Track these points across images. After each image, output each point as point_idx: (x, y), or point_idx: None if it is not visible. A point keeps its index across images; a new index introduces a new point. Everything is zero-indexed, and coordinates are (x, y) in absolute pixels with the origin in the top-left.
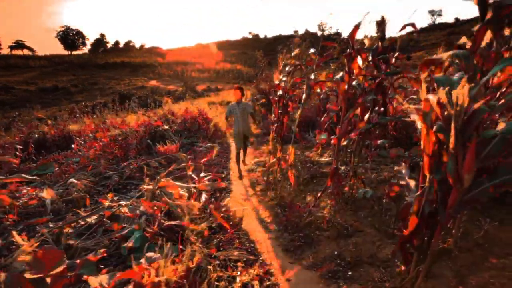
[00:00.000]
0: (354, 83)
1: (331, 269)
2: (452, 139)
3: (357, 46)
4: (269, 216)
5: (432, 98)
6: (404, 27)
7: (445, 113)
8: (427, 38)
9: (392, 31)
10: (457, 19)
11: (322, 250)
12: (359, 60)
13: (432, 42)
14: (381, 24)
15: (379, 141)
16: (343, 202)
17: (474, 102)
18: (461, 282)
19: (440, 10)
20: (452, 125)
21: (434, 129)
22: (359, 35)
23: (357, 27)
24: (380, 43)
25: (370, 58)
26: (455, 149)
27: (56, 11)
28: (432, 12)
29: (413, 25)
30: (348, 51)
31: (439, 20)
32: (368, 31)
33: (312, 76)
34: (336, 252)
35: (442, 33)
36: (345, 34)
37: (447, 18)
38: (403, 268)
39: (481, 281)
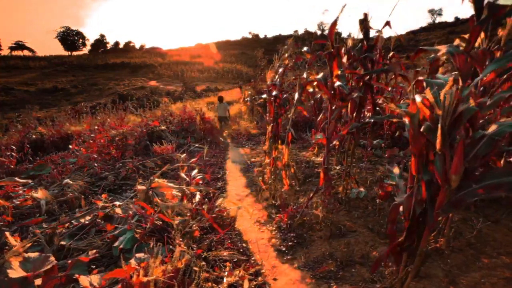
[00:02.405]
0: (339, 82)
1: (322, 269)
2: (439, 140)
3: (337, 44)
4: (263, 216)
5: (419, 98)
6: (386, 25)
7: (433, 113)
8: (427, 37)
9: (392, 30)
10: (457, 18)
11: (314, 250)
12: (342, 59)
13: (432, 41)
14: (363, 22)
15: (375, 141)
16: (337, 202)
17: (462, 102)
18: (452, 282)
19: (440, 9)
20: (440, 125)
21: (421, 129)
22: (355, 34)
23: (334, 24)
24: (364, 42)
25: (356, 56)
26: (443, 150)
27: (57, 12)
28: (432, 11)
29: (388, 23)
30: (329, 49)
31: (439, 19)
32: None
33: (305, 75)
34: (328, 252)
35: (442, 32)
36: (345, 33)
37: (447, 17)
38: (394, 268)
39: (472, 281)
